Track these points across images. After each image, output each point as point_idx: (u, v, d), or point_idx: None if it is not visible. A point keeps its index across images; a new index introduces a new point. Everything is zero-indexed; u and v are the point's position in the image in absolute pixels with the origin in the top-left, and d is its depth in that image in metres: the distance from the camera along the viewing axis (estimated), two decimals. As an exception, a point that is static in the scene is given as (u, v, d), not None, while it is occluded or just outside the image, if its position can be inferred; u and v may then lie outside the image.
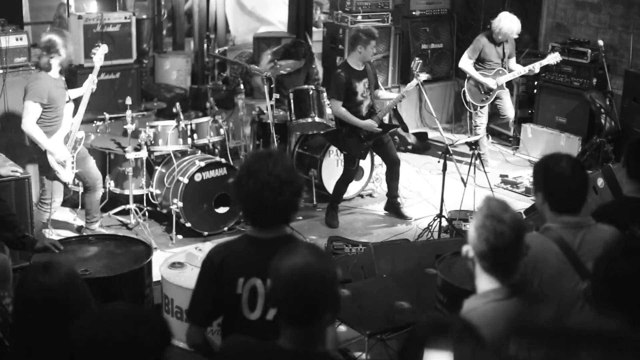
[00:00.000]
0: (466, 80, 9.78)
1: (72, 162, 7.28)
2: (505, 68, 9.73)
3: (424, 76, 8.08)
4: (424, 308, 5.28)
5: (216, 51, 10.46)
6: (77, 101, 7.46)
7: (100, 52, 7.53)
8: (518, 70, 9.73)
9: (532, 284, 3.46)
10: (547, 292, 3.49)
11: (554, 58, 9.63)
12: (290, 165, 3.48)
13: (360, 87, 8.06)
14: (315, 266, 2.77)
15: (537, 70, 9.72)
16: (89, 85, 7.40)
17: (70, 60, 7.44)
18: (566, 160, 3.67)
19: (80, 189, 7.84)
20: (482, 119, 9.93)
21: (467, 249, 3.19)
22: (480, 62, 9.74)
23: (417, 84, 7.99)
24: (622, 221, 3.98)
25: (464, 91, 9.82)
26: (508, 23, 9.57)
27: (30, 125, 7.05)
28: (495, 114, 10.27)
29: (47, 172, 7.26)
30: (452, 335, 2.34)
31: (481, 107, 9.82)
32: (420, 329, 2.44)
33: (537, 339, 1.85)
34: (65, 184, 7.48)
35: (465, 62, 9.74)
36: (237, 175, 3.50)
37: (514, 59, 9.89)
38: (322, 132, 8.48)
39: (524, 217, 6.86)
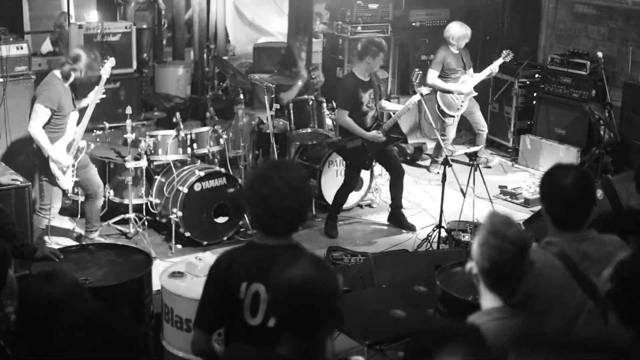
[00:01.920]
0: (437, 95, 9.83)
1: (73, 170, 7.30)
2: (468, 75, 9.86)
3: (425, 90, 8.10)
4: (422, 317, 5.28)
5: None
6: (81, 110, 7.50)
7: (107, 65, 7.62)
8: (480, 75, 9.89)
9: (536, 300, 3.46)
10: (551, 307, 3.48)
11: (507, 55, 9.81)
12: (303, 175, 3.52)
13: (366, 97, 8.08)
14: (315, 277, 2.77)
15: (496, 70, 9.94)
16: (96, 96, 7.45)
17: (82, 79, 7.49)
18: (572, 175, 3.58)
19: (80, 198, 7.85)
20: (452, 133, 10.04)
21: (471, 266, 3.18)
22: (445, 73, 9.83)
23: (420, 98, 7.99)
24: (624, 234, 3.97)
25: (439, 105, 9.88)
26: (459, 28, 9.76)
27: (36, 129, 7.09)
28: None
29: (47, 177, 7.29)
30: (459, 342, 2.34)
31: (456, 117, 9.98)
32: (425, 335, 2.43)
33: (541, 351, 1.86)
34: (64, 191, 7.49)
35: (433, 77, 9.80)
36: (249, 179, 3.55)
37: (471, 70, 10.03)
38: (327, 141, 8.51)
39: (523, 227, 6.86)
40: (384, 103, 8.45)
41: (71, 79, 7.26)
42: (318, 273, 2.80)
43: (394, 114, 8.36)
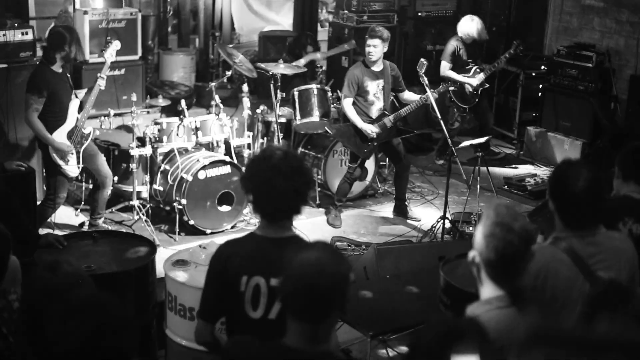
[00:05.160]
0: (449, 86, 9.77)
1: (78, 158, 7.25)
2: (479, 67, 9.81)
3: (442, 88, 8.12)
4: (428, 308, 5.27)
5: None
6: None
7: (111, 49, 7.52)
8: (490, 66, 9.81)
9: (543, 293, 3.44)
10: (559, 302, 3.47)
11: (517, 46, 9.73)
12: (299, 158, 3.58)
13: (373, 86, 8.04)
14: (327, 262, 2.77)
15: (503, 63, 9.88)
16: (98, 81, 7.36)
17: (74, 58, 7.42)
18: (585, 176, 3.52)
19: (85, 185, 7.84)
20: (459, 124, 10.03)
21: (474, 255, 3.16)
22: (456, 64, 9.78)
23: (431, 99, 7.91)
24: (619, 215, 3.97)
25: (450, 96, 9.84)
26: (475, 27, 9.71)
27: (31, 118, 7.04)
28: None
29: (51, 167, 7.24)
30: (464, 339, 2.33)
31: (467, 109, 9.96)
32: (430, 331, 2.43)
33: (558, 347, 1.84)
34: (69, 179, 7.47)
35: (445, 69, 9.76)
36: (248, 163, 3.56)
37: (480, 60, 10.01)
38: (327, 127, 8.50)
39: (528, 219, 6.84)
40: (406, 94, 8.29)
41: (58, 62, 7.11)
42: (332, 257, 2.81)
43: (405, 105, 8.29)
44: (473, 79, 9.74)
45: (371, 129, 7.98)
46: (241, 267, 3.45)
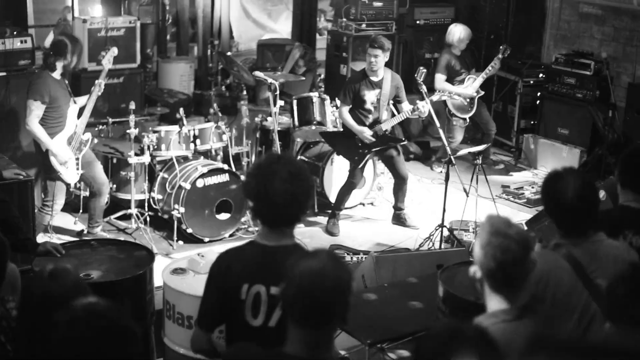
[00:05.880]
0: (443, 95, 9.75)
1: (77, 164, 7.27)
2: (472, 76, 9.80)
3: (436, 96, 8.12)
4: (426, 316, 5.27)
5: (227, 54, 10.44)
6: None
7: (109, 55, 7.56)
8: (482, 74, 9.79)
9: (544, 301, 3.45)
10: (560, 309, 3.48)
11: (504, 51, 9.70)
12: (301, 164, 3.57)
13: (371, 96, 8.04)
14: (330, 270, 2.78)
15: (498, 66, 9.84)
16: (96, 88, 7.38)
17: (75, 67, 7.45)
18: (575, 183, 3.57)
19: (84, 193, 7.85)
20: (459, 135, 9.99)
21: (475, 270, 3.16)
22: (451, 76, 9.78)
23: (429, 107, 7.91)
24: (619, 228, 3.98)
25: (449, 109, 9.83)
26: (463, 30, 9.75)
27: (33, 124, 7.07)
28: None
29: (50, 173, 7.26)
30: (467, 342, 2.34)
31: (466, 119, 9.94)
32: (434, 335, 2.43)
33: (557, 354, 1.85)
34: (68, 186, 7.48)
35: (441, 82, 9.72)
36: (248, 172, 3.56)
37: (474, 70, 10.00)
38: (319, 132, 8.52)
39: (526, 228, 6.85)
40: (405, 106, 8.20)
41: (59, 69, 7.17)
42: (334, 264, 2.82)
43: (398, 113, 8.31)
44: (469, 89, 9.74)
45: (367, 133, 8.00)
46: (242, 275, 3.44)
